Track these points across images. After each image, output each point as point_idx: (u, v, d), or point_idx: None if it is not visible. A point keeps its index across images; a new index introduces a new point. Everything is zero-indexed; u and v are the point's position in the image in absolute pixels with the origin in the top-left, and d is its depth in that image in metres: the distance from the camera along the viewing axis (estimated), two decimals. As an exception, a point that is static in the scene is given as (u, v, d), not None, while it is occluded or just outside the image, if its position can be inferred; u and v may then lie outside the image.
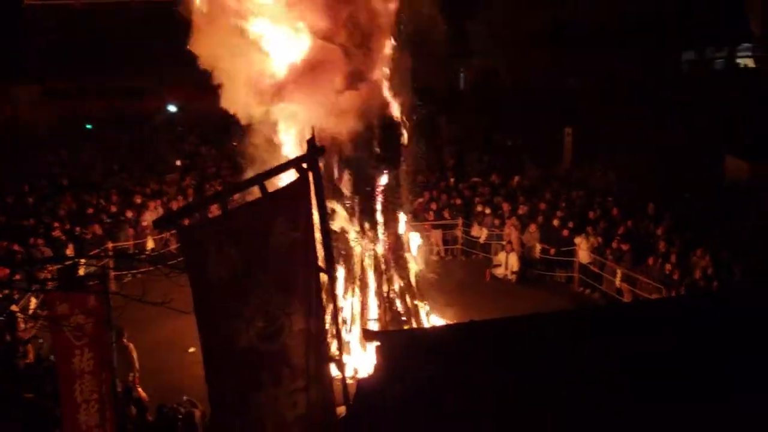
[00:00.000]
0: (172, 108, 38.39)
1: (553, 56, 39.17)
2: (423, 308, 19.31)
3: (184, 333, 17.90)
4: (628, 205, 25.40)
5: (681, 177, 28.09)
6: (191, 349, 17.65)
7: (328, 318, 7.75)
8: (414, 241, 20.25)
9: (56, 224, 23.69)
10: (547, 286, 23.99)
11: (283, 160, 8.82)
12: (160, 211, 25.38)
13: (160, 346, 19.23)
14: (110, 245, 23.25)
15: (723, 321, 6.44)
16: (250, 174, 9.04)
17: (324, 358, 7.66)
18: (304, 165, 7.31)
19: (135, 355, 16.22)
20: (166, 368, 18.26)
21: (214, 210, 7.76)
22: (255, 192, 7.45)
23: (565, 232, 24.04)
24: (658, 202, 25.11)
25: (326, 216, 7.59)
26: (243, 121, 17.60)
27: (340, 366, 7.94)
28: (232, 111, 17.47)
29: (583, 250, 23.39)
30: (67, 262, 19.89)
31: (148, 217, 24.76)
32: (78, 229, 23.71)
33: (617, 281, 21.94)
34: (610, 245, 22.73)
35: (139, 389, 15.94)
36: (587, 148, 31.08)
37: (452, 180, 28.84)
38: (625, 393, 6.13)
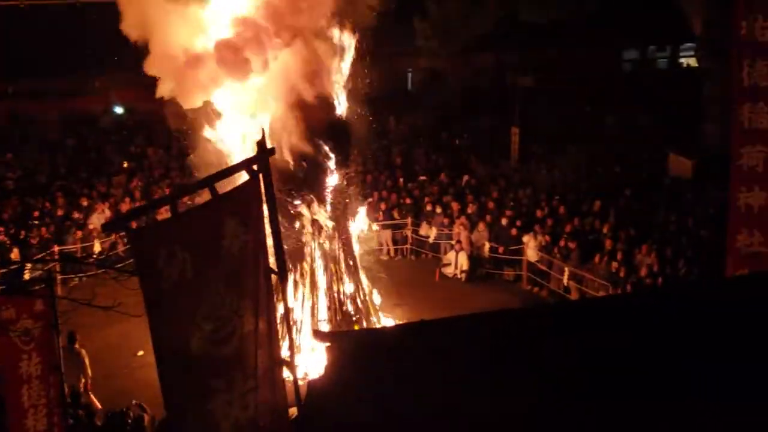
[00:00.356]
0: (118, 109, 38.00)
1: (498, 56, 39.46)
2: (373, 308, 19.38)
3: (132, 336, 17.83)
4: (574, 203, 25.66)
5: (625, 174, 28.46)
6: (140, 353, 17.59)
7: (278, 319, 7.74)
8: (363, 241, 20.31)
9: (0, 228, 23.38)
10: (496, 284, 24.13)
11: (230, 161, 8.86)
12: (108, 213, 25.13)
13: (108, 350, 19.08)
14: (56, 248, 23.00)
15: (673, 317, 6.52)
16: (199, 176, 8.99)
17: (275, 359, 7.67)
18: (255, 167, 7.32)
19: (87, 360, 16.11)
20: (114, 373, 18.14)
21: (164, 212, 7.74)
22: (206, 194, 7.44)
23: (514, 231, 24.22)
24: (603, 199, 25.41)
25: (277, 217, 7.59)
26: (184, 107, 17.44)
27: (291, 368, 7.95)
28: (170, 94, 17.29)
29: (531, 249, 23.59)
30: (12, 266, 19.68)
31: (95, 220, 24.51)
32: (23, 232, 23.40)
33: (565, 279, 22.18)
34: (558, 243, 22.95)
35: (91, 395, 15.82)
36: (533, 146, 31.33)
37: (401, 180, 28.90)
38: (580, 390, 6.19)
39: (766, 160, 10.56)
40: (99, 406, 15.43)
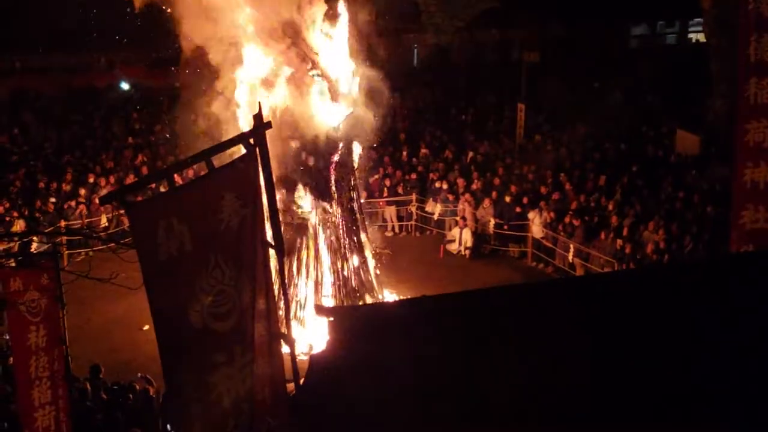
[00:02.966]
0: (124, 85, 37.99)
1: (504, 32, 39.29)
2: (377, 284, 19.41)
3: (137, 311, 17.86)
4: (579, 179, 25.59)
5: (631, 151, 28.36)
6: (145, 327, 17.63)
7: (277, 294, 7.76)
8: (368, 217, 20.31)
9: (6, 203, 23.43)
10: (500, 261, 24.15)
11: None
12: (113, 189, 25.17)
13: (114, 324, 19.21)
14: (63, 223, 23.04)
15: (678, 293, 6.50)
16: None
17: (273, 334, 7.69)
18: (251, 140, 7.32)
19: None
20: (120, 346, 18.25)
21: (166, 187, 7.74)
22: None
23: (518, 208, 24.19)
24: (609, 176, 25.35)
25: (274, 192, 7.59)
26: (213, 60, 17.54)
27: (290, 342, 7.97)
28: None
29: (536, 225, 23.56)
30: (21, 239, 19.73)
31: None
32: (25, 210, 23.41)
33: (570, 256, 22.16)
34: (563, 220, 22.92)
35: None
36: (539, 123, 31.23)
37: (405, 155, 28.86)
38: (583, 366, 6.21)
39: (771, 136, 10.54)
40: None
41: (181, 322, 7.35)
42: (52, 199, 24.39)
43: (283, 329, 8.03)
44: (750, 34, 10.45)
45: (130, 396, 14.13)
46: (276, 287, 7.67)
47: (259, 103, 8.38)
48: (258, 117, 7.29)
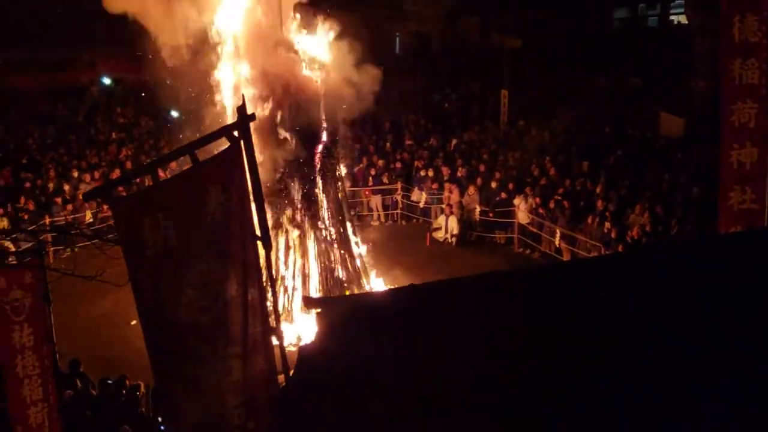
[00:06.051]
0: (106, 80, 37.88)
1: (484, 18, 39.28)
2: (364, 274, 19.41)
3: (125, 306, 17.80)
4: (564, 164, 25.63)
5: (615, 134, 28.43)
6: (133, 322, 17.56)
7: (265, 286, 7.73)
8: (353, 206, 20.30)
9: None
10: (487, 247, 24.22)
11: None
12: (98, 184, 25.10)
13: (101, 319, 19.18)
14: (47, 220, 22.97)
15: (667, 276, 6.49)
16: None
17: (264, 327, 7.66)
18: (235, 133, 7.28)
19: None
20: (108, 342, 18.21)
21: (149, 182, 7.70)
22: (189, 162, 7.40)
23: (504, 194, 24.21)
24: (594, 160, 25.40)
25: (259, 184, 7.54)
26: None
27: (278, 335, 7.95)
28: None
29: (521, 211, 23.59)
30: (5, 238, 19.65)
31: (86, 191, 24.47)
32: (9, 206, 23.29)
33: (556, 241, 22.21)
34: (548, 205, 22.95)
35: None
36: (522, 108, 31.24)
37: (389, 144, 28.85)
38: (573, 351, 6.20)
39: (757, 116, 10.53)
40: None
41: (168, 317, 7.33)
42: (39, 197, 24.28)
43: (272, 322, 8.00)
44: (734, 14, 10.43)
45: (123, 392, 14.10)
46: (264, 279, 7.62)
47: (243, 95, 8.33)
48: (242, 109, 7.25)
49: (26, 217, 22.85)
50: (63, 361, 12.36)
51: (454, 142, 28.73)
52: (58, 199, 24.18)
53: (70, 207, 24.14)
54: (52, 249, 22.26)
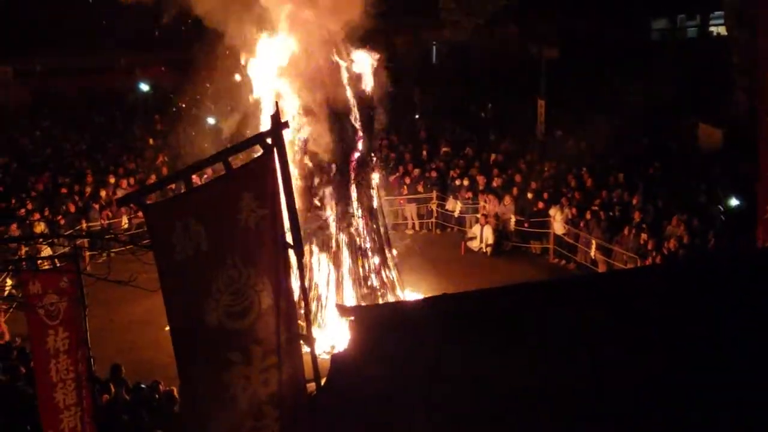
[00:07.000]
0: (144, 86, 38.20)
1: (522, 28, 39.17)
2: (398, 283, 19.37)
3: (159, 311, 17.81)
4: (601, 175, 25.45)
5: (653, 145, 28.21)
6: (167, 328, 17.63)
7: (297, 294, 7.74)
8: (388, 215, 20.27)
9: (29, 205, 23.57)
10: (522, 257, 24.06)
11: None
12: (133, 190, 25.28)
13: (136, 324, 19.27)
14: (84, 225, 23.14)
15: (704, 289, 6.43)
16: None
17: (294, 335, 7.67)
18: (269, 140, 7.29)
19: None
20: (142, 346, 18.29)
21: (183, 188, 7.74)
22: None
23: (540, 204, 24.09)
24: (632, 171, 25.21)
25: (292, 192, 7.56)
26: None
27: (309, 342, 7.95)
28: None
29: (557, 222, 23.45)
30: (42, 242, 19.82)
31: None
32: (47, 211, 23.50)
33: (592, 252, 22.05)
34: (585, 216, 22.79)
35: None
36: (559, 118, 31.08)
37: (425, 153, 28.82)
38: (607, 362, 6.15)
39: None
40: None
41: (196, 321, 7.36)
42: (77, 202, 24.48)
43: (303, 329, 8.01)
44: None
45: (156, 396, 14.14)
46: (296, 288, 7.64)
47: (277, 102, 8.35)
48: (275, 117, 7.27)
49: (63, 221, 23.04)
50: (100, 366, 12.42)
51: (492, 156, 28.57)
52: (96, 205, 24.37)
53: (107, 212, 24.32)
54: (88, 254, 22.39)
